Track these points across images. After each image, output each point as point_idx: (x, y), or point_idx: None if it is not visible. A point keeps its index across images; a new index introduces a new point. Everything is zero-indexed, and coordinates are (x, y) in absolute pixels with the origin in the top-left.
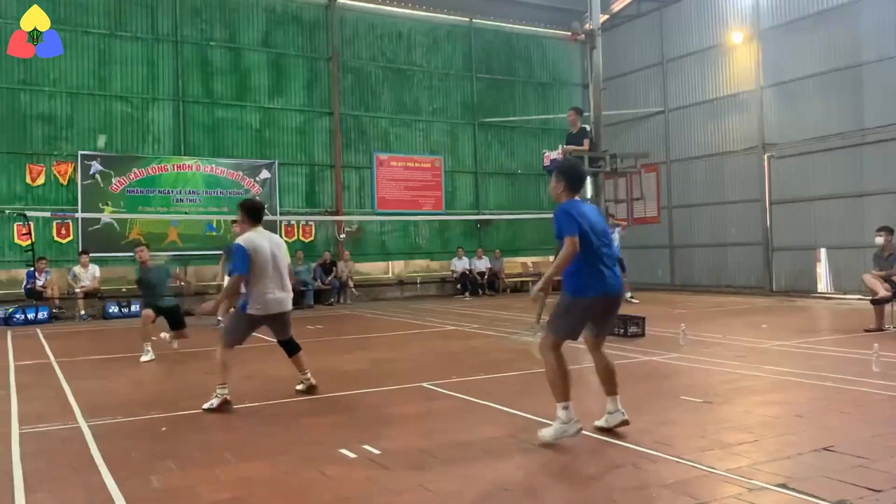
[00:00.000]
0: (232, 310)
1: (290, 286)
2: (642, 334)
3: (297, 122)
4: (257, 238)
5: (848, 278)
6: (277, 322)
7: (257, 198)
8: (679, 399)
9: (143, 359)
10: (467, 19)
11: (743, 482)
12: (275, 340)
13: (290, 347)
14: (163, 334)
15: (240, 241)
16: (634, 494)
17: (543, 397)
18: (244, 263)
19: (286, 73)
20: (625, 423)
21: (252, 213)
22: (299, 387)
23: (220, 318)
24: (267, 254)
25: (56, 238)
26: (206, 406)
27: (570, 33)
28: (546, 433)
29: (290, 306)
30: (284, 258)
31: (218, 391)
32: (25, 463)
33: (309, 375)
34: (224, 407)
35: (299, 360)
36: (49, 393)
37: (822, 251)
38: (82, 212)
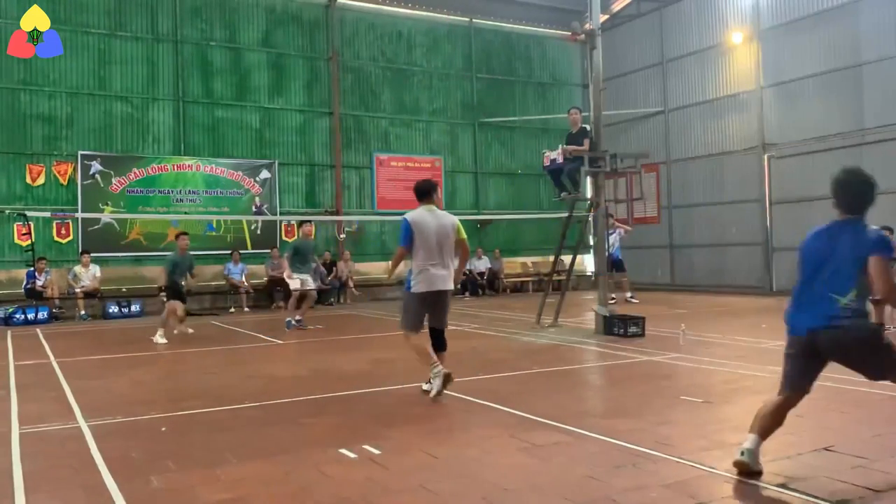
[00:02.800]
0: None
1: (451, 266)
2: (642, 334)
3: (297, 122)
4: (423, 214)
5: None
6: (438, 303)
7: (257, 199)
8: (679, 399)
9: (161, 341)
10: (467, 19)
11: (743, 482)
12: (277, 342)
13: (439, 341)
14: (177, 329)
15: (405, 215)
16: (634, 494)
17: (544, 397)
18: (405, 236)
19: (286, 73)
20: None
21: (418, 191)
22: (425, 386)
23: (299, 317)
24: (430, 230)
25: (56, 238)
26: (425, 387)
27: (570, 33)
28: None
29: (451, 285)
30: (450, 237)
31: (433, 371)
32: (25, 463)
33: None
34: (448, 380)
35: (441, 358)
36: (49, 393)
37: None
38: (82, 212)
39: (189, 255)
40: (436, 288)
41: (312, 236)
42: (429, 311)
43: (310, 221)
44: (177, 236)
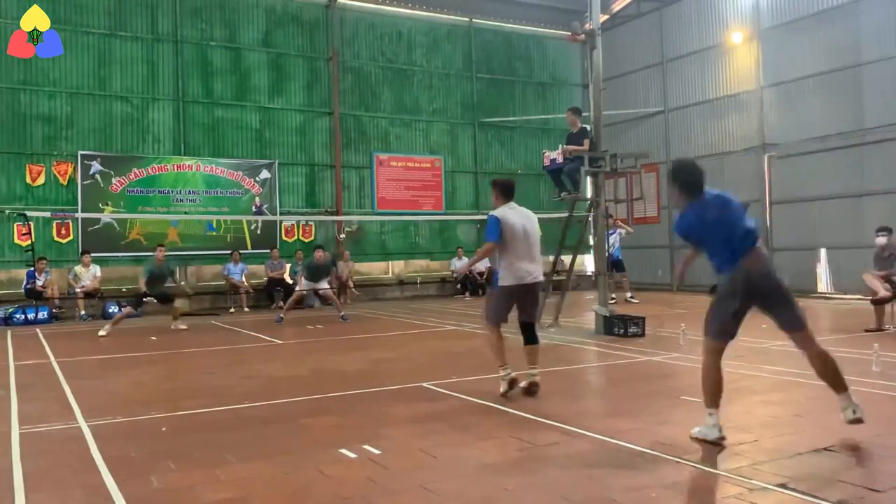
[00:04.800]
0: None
1: (540, 259)
2: (642, 334)
3: (297, 122)
4: (508, 211)
5: (848, 278)
6: (529, 296)
7: (257, 199)
8: (679, 399)
9: (181, 327)
10: (467, 19)
11: (743, 482)
12: (277, 341)
13: (530, 334)
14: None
15: (492, 213)
16: (634, 494)
17: (544, 397)
18: (495, 231)
19: (286, 73)
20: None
21: (502, 188)
22: (522, 384)
23: (282, 315)
24: (517, 226)
25: (56, 238)
26: (501, 390)
27: (570, 33)
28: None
29: (541, 278)
30: (535, 232)
31: (501, 374)
32: (25, 463)
33: (535, 371)
34: (513, 386)
35: (532, 352)
36: (49, 393)
37: (822, 251)
38: (82, 212)
39: (166, 264)
40: (524, 282)
41: (324, 259)
42: (519, 305)
43: (321, 247)
44: (157, 247)
